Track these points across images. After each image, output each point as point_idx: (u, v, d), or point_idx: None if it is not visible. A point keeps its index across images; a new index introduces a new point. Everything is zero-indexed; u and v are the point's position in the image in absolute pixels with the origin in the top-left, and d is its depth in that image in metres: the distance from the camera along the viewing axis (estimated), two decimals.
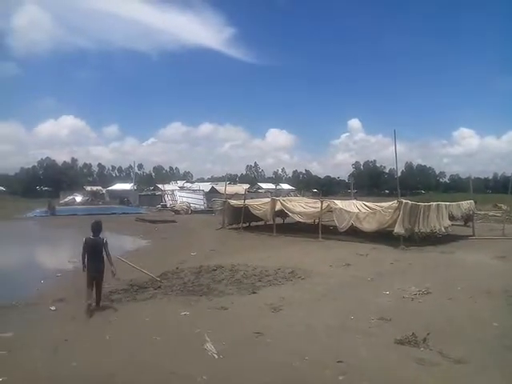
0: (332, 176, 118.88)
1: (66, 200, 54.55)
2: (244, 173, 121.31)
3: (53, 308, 7.46)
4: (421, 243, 14.42)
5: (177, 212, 36.43)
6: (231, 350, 5.20)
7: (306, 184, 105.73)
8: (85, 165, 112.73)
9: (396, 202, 15.03)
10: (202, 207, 41.79)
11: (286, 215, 20.29)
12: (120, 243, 16.55)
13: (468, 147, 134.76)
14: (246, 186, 59.75)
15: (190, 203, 41.00)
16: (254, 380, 4.52)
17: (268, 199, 21.07)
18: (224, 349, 5.19)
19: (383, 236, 15.43)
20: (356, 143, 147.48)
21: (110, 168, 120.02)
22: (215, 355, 5.02)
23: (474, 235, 17.53)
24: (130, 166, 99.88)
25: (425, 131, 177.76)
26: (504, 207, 27.43)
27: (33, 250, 16.98)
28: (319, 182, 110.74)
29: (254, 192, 53.98)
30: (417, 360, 4.82)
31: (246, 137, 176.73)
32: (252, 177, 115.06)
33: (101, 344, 5.54)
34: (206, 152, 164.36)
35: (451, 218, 16.09)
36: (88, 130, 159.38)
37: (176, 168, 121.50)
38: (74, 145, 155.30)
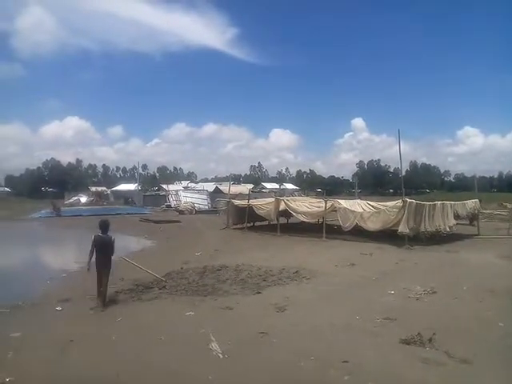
0: (336, 176, 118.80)
1: (70, 201, 54.76)
2: (248, 173, 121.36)
3: (59, 308, 7.51)
4: (426, 242, 14.36)
5: (181, 212, 36.49)
6: (236, 349, 5.21)
7: (309, 184, 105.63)
8: (89, 165, 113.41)
9: (401, 201, 14.97)
10: (207, 207, 41.82)
11: (290, 215, 20.26)
12: (125, 243, 16.59)
13: (473, 146, 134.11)
14: (250, 185, 59.67)
15: (194, 203, 41.03)
16: (259, 380, 4.53)
17: (272, 199, 21.05)
18: (229, 348, 5.20)
19: (388, 235, 15.39)
20: (360, 142, 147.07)
21: (115, 169, 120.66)
22: (220, 355, 5.04)
23: (479, 234, 17.43)
24: (135, 167, 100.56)
25: (429, 130, 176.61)
26: (509, 206, 27.32)
27: (38, 251, 17.10)
28: (323, 181, 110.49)
29: (257, 192, 53.98)
30: (422, 360, 4.81)
31: (250, 137, 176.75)
32: (256, 177, 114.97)
33: (107, 344, 5.57)
34: (210, 152, 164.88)
35: (456, 217, 16.02)
36: (93, 131, 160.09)
37: (180, 168, 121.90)
38: (78, 146, 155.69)
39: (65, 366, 4.89)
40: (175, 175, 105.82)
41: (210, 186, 59.32)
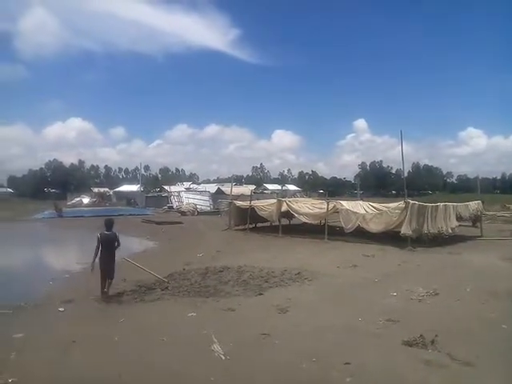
0: (338, 177, 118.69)
1: (73, 202, 54.97)
2: (250, 174, 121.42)
3: (61, 309, 7.53)
4: (428, 244, 14.32)
5: (183, 213, 36.54)
6: (238, 350, 5.21)
7: (312, 185, 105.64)
8: (92, 167, 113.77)
9: (403, 202, 14.95)
10: (208, 208, 41.87)
11: (292, 216, 20.25)
12: (127, 244, 16.60)
13: (475, 147, 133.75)
14: (252, 187, 59.68)
15: (196, 204, 41.10)
16: (261, 381, 4.53)
17: (274, 200, 21.07)
18: (231, 350, 5.20)
19: (390, 237, 15.36)
20: (362, 144, 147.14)
21: (117, 170, 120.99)
22: (222, 356, 5.04)
23: (481, 236, 17.39)
24: (137, 168, 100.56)
25: (432, 131, 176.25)
26: None
27: (41, 252, 17.14)
28: (325, 182, 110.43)
29: (259, 193, 53.96)
30: (425, 362, 4.80)
31: (252, 138, 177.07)
32: (258, 178, 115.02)
33: (109, 345, 5.58)
34: (212, 153, 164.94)
35: (459, 218, 15.98)
36: (95, 132, 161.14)
37: (182, 169, 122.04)
38: (81, 147, 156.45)
39: (67, 366, 4.90)
40: (177, 176, 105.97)
41: (212, 187, 59.39)
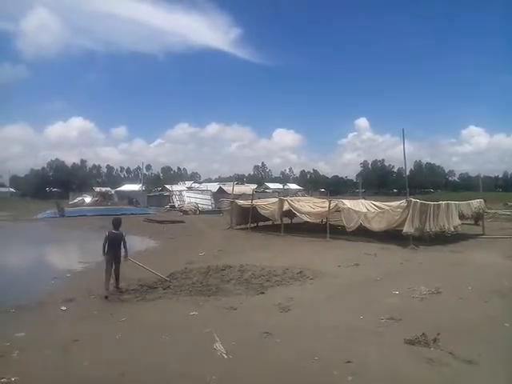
0: (340, 176, 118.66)
1: (75, 201, 55.02)
2: (251, 173, 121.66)
3: (63, 308, 7.53)
4: (430, 243, 14.30)
5: (185, 212, 36.57)
6: (240, 349, 5.21)
7: (313, 184, 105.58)
8: (94, 166, 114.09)
9: (405, 201, 14.92)
10: (210, 207, 41.90)
11: (294, 215, 20.26)
12: (129, 243, 16.61)
13: (477, 145, 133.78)
14: (254, 186, 59.72)
15: (197, 203, 41.11)
16: (263, 380, 4.53)
17: (275, 199, 21.05)
18: (233, 348, 5.20)
19: (392, 236, 15.34)
20: (364, 142, 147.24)
21: (119, 169, 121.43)
22: (224, 355, 5.04)
23: (484, 234, 17.36)
24: (139, 167, 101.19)
25: (433, 130, 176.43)
26: None
27: (43, 251, 17.16)
28: (327, 181, 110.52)
29: (261, 192, 53.98)
30: (427, 360, 4.79)
31: (253, 137, 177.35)
32: (259, 177, 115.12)
33: (111, 344, 5.59)
34: (213, 152, 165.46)
35: (461, 217, 15.94)
36: (97, 132, 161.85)
37: (184, 168, 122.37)
38: (83, 146, 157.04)
39: (69, 365, 4.90)
40: (179, 175, 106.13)
41: (214, 187, 59.46)
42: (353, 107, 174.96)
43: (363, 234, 15.98)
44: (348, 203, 16.94)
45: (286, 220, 20.82)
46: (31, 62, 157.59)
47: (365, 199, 19.90)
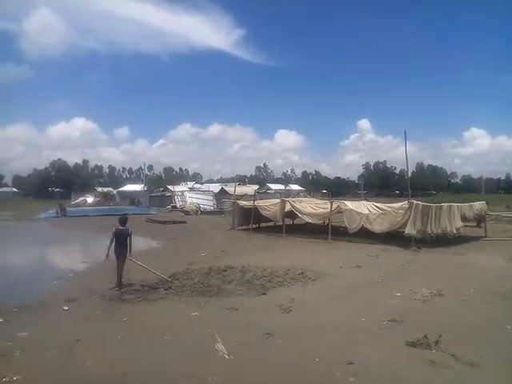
0: (342, 177, 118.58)
1: (77, 201, 55.17)
2: (253, 174, 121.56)
3: (65, 308, 7.55)
4: (432, 244, 14.28)
5: (186, 213, 36.59)
6: (242, 350, 5.22)
7: (315, 185, 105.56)
8: (96, 166, 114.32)
9: (407, 202, 14.90)
10: (212, 208, 41.92)
11: (296, 216, 20.25)
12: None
13: (479, 147, 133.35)
14: (256, 186, 59.74)
15: (199, 204, 41.14)
16: (264, 380, 4.53)
17: (277, 200, 21.06)
18: (235, 349, 5.21)
19: (394, 237, 15.32)
20: (365, 144, 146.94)
21: (121, 169, 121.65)
22: (226, 355, 5.05)
23: (486, 236, 17.31)
24: (141, 168, 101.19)
25: (436, 131, 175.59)
26: None
27: (45, 251, 17.20)
28: (329, 182, 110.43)
29: (263, 193, 54.07)
30: (429, 362, 4.78)
31: (255, 138, 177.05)
32: (261, 178, 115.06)
33: (113, 344, 5.60)
34: (216, 153, 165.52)
35: (463, 219, 15.91)
36: (99, 132, 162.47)
37: (186, 169, 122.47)
38: (85, 146, 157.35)
39: (72, 365, 4.92)
40: (181, 176, 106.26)
41: (216, 187, 59.47)
42: (355, 108, 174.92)
43: (365, 235, 15.97)
44: (350, 204, 16.93)
45: (288, 221, 20.82)
46: (35, 63, 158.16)
47: (367, 201, 19.87)
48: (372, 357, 4.98)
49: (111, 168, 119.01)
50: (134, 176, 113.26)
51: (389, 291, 8.26)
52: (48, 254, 16.51)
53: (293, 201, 20.35)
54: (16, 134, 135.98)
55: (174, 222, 27.13)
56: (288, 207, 19.10)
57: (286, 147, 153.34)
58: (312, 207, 18.85)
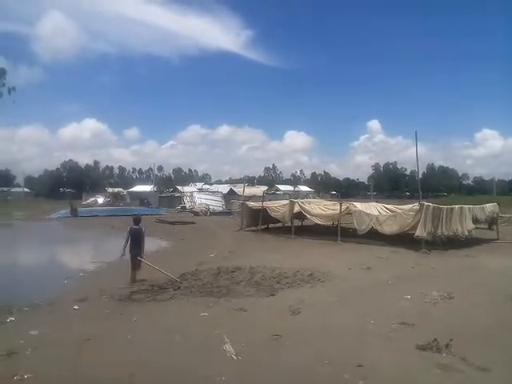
0: (351, 178, 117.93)
1: (88, 201, 55.77)
2: (262, 175, 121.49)
3: (76, 307, 7.63)
4: (443, 247, 14.12)
5: (196, 213, 36.76)
6: (250, 351, 5.21)
7: (324, 186, 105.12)
8: (106, 167, 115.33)
9: (417, 204, 14.76)
10: (221, 209, 42.02)
11: (305, 217, 20.20)
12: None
13: (491, 148, 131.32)
14: (264, 187, 59.72)
15: (208, 205, 41.30)
16: (272, 382, 4.52)
17: (286, 201, 21.03)
18: (243, 350, 5.20)
19: (404, 239, 15.18)
20: (375, 145, 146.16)
21: (131, 170, 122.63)
22: (234, 356, 5.04)
23: (498, 239, 17.06)
24: (150, 168, 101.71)
25: (447, 132, 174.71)
26: None
27: (56, 250, 17.43)
28: (338, 183, 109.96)
29: (272, 194, 53.92)
30: (439, 366, 4.72)
31: (264, 139, 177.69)
32: (270, 179, 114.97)
33: (122, 343, 5.63)
34: (225, 154, 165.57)
35: (475, 221, 15.70)
36: (109, 133, 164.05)
37: (195, 170, 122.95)
38: (96, 147, 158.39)
39: (81, 364, 4.95)
40: (190, 177, 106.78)
41: (225, 188, 59.67)
42: (365, 109, 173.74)
43: (374, 237, 15.85)
44: (359, 206, 16.83)
45: (297, 222, 20.78)
46: (47, 65, 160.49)
47: (376, 202, 19.75)
48: (382, 359, 4.94)
49: (121, 169, 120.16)
50: (144, 177, 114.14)
51: (399, 293, 8.18)
52: (59, 254, 16.73)
53: (302, 202, 20.30)
54: (28, 135, 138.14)
55: (184, 223, 27.27)
56: (297, 208, 19.06)
57: (295, 148, 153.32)
58: (321, 208, 18.79)
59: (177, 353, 5.24)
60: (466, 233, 14.87)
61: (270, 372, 4.70)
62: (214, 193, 50.71)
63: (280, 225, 21.64)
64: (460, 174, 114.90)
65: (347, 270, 10.82)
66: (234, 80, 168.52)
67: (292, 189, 78.12)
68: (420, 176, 21.47)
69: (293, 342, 5.54)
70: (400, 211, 15.65)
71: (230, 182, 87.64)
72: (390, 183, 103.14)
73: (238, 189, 49.64)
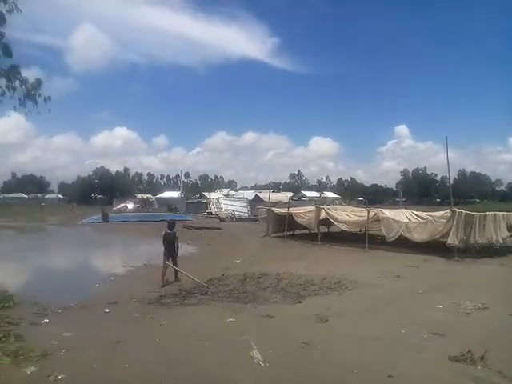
0: (378, 184, 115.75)
1: (118, 207, 57.19)
2: (287, 181, 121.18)
3: (107, 310, 7.83)
4: (477, 255, 13.62)
5: (222, 219, 37.01)
6: (278, 358, 5.18)
7: (351, 192, 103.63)
8: (136, 174, 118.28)
9: (449, 211, 14.33)
10: (246, 215, 42.11)
11: (331, 224, 19.96)
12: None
13: None
14: (290, 194, 59.50)
15: (234, 211, 41.50)
16: None
17: (312, 207, 20.87)
18: (270, 357, 5.17)
19: (435, 247, 14.74)
20: (404, 150, 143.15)
21: (159, 177, 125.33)
22: (261, 363, 5.02)
23: None
24: (178, 175, 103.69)
25: (478, 137, 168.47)
26: None
27: (88, 255, 17.94)
28: (365, 190, 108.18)
29: (297, 200, 53.62)
30: (474, 379, 4.54)
31: (290, 145, 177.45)
32: (295, 185, 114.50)
33: (151, 347, 5.71)
34: (250, 160, 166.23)
35: (510, 228, 15.08)
36: (139, 141, 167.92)
37: (221, 176, 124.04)
38: (126, 155, 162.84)
39: (113, 366, 5.06)
40: (216, 183, 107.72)
41: (250, 194, 59.83)
42: (392, 114, 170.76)
43: (404, 244, 15.47)
44: (388, 213, 16.49)
45: (323, 229, 20.57)
46: (79, 76, 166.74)
47: (406, 209, 19.28)
48: (413, 370, 4.80)
49: (150, 175, 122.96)
50: (172, 183, 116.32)
51: (430, 303, 7.94)
52: (91, 258, 17.22)
53: (328, 208, 20.10)
54: (62, 143, 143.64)
55: (210, 229, 27.49)
56: (323, 215, 18.87)
57: (321, 154, 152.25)
58: (348, 215, 18.52)
59: (205, 357, 5.28)
60: (501, 241, 14.35)
61: (299, 380, 4.66)
62: (239, 199, 50.92)
63: (306, 231, 21.47)
64: (493, 180, 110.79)
65: (376, 278, 10.59)
66: (260, 87, 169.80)
67: (318, 195, 77.43)
68: (451, 182, 20.80)
69: (321, 350, 5.47)
70: (431, 218, 15.22)
71: (256, 188, 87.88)
72: (419, 189, 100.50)
73: (264, 195, 49.70)
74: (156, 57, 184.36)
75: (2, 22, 5.29)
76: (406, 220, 15.82)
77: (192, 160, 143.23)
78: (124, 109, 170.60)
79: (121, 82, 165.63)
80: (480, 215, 14.23)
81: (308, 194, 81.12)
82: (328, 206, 22.42)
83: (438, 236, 14.58)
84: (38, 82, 5.90)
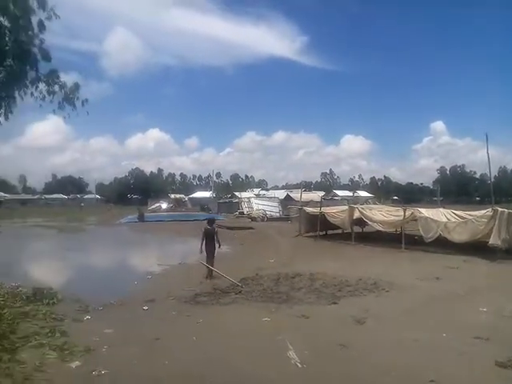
0: (414, 182, 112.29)
1: (153, 207, 58.55)
2: (319, 180, 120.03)
3: (145, 308, 8.04)
4: None
5: (253, 219, 37.13)
6: (314, 359, 5.14)
7: (385, 191, 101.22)
8: (169, 174, 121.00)
9: (490, 210, 13.71)
10: (278, 214, 42.02)
11: (365, 223, 19.57)
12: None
13: None
14: (321, 193, 58.84)
15: (265, 210, 41.52)
16: None
17: (345, 207, 20.54)
18: (307, 358, 5.14)
19: (475, 247, 14.14)
20: (440, 147, 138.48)
21: (191, 177, 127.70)
22: (298, 364, 5.00)
23: None
24: (209, 175, 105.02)
25: None
26: None
27: (126, 254, 18.53)
28: (400, 188, 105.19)
29: (329, 199, 52.93)
30: None
31: (320, 143, 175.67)
32: (327, 184, 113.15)
33: (189, 345, 5.81)
34: (280, 160, 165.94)
35: None
36: (172, 143, 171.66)
37: (251, 176, 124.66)
38: (159, 156, 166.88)
39: (152, 363, 5.19)
40: (247, 183, 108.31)
41: (281, 194, 59.59)
42: (426, 111, 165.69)
43: (442, 245, 14.94)
44: (425, 212, 15.98)
45: (357, 229, 20.20)
46: (114, 80, 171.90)
47: (444, 208, 18.62)
48: (456, 376, 4.64)
49: (183, 176, 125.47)
50: (204, 183, 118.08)
51: (472, 306, 7.64)
52: (128, 257, 17.76)
53: (362, 208, 19.72)
54: (99, 145, 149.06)
55: (242, 228, 27.62)
56: (357, 214, 18.53)
57: (353, 153, 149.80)
58: (383, 214, 18.08)
59: (241, 356, 5.31)
60: None
61: (336, 382, 4.60)
62: (270, 198, 50.85)
63: (339, 231, 21.17)
64: None
65: (414, 279, 10.28)
66: (290, 86, 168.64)
67: (350, 194, 76.08)
68: (492, 180, 19.89)
69: (359, 352, 5.39)
70: (471, 218, 14.61)
71: (287, 187, 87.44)
72: (457, 187, 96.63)
73: (295, 194, 49.37)
74: (187, 59, 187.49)
75: (42, 28, 5.49)
76: (444, 220, 15.28)
77: (223, 160, 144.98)
78: (157, 111, 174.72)
79: (154, 85, 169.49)
80: None
81: (340, 193, 79.89)
82: (362, 206, 22.01)
83: (479, 236, 13.98)
84: (76, 86, 6.10)
